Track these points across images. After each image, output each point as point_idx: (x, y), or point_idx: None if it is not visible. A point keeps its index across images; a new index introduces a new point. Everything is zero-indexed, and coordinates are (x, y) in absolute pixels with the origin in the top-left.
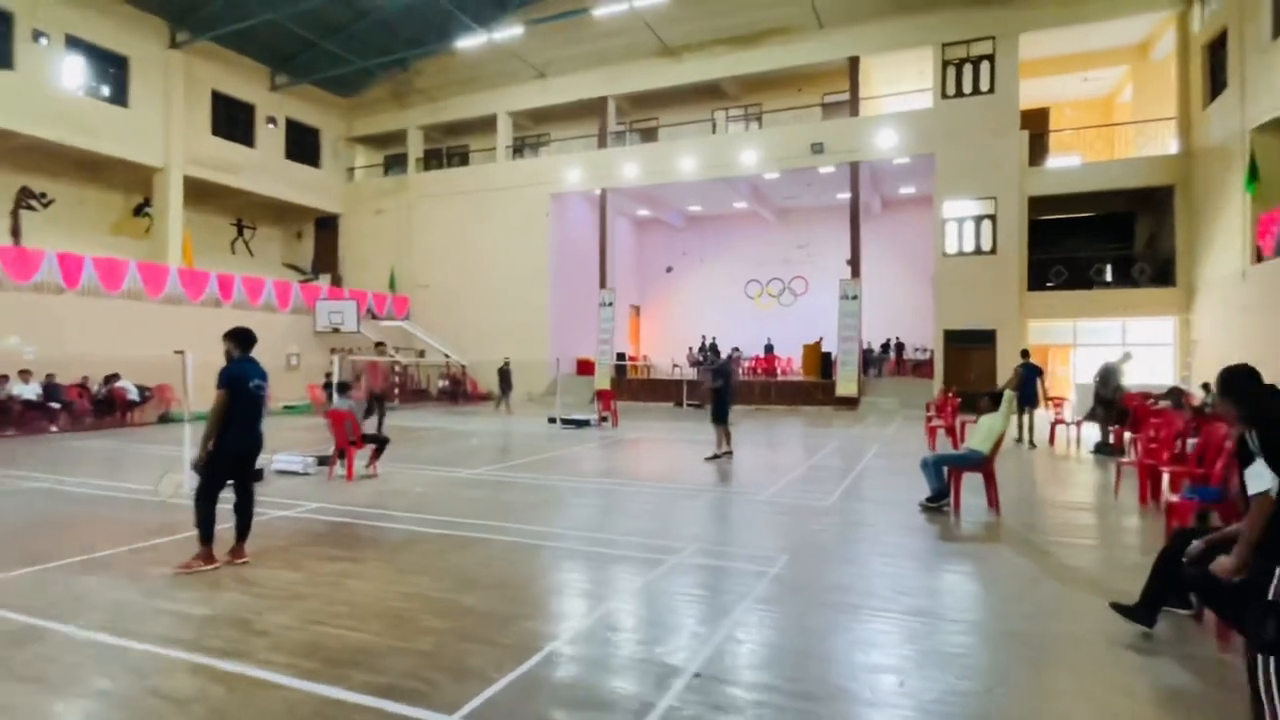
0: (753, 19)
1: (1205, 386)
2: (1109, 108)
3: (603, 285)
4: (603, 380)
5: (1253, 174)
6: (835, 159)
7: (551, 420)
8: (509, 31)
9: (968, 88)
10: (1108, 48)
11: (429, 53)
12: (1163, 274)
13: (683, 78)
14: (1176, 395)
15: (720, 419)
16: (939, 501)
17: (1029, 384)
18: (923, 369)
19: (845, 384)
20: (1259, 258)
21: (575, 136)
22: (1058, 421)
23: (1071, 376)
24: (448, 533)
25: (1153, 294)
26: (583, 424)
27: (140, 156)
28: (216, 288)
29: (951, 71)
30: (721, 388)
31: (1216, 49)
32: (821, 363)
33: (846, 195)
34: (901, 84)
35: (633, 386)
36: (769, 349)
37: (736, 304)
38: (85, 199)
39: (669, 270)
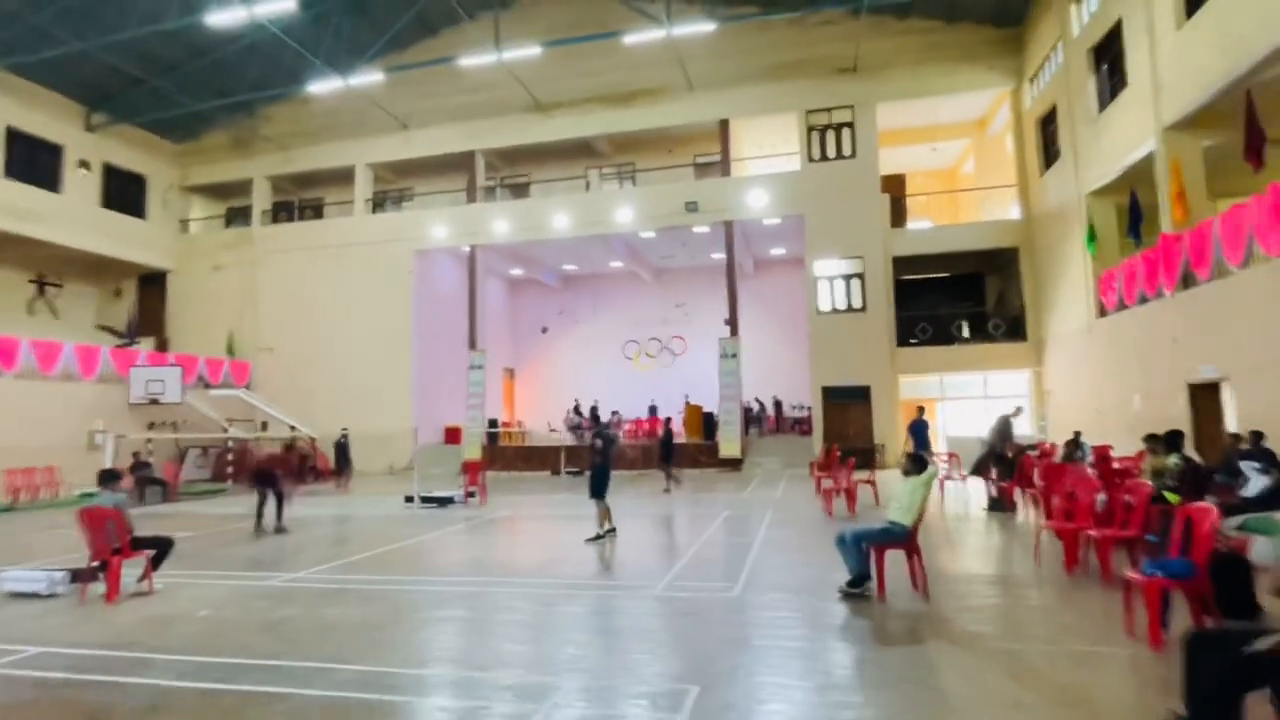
0: (624, 79)
1: (1077, 435)
2: (954, 178)
3: (472, 346)
4: (472, 449)
5: (1091, 235)
6: (709, 218)
7: (408, 500)
8: (368, 78)
9: (832, 152)
10: (952, 122)
11: (277, 98)
12: (1014, 329)
13: (554, 134)
14: (1072, 448)
15: (599, 493)
16: (861, 586)
17: (922, 438)
18: (802, 426)
19: (728, 445)
20: (1102, 312)
21: (442, 191)
22: (946, 477)
23: (941, 429)
24: (225, 686)
25: (1007, 348)
26: (446, 502)
27: None
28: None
29: (816, 136)
30: (602, 461)
31: (1048, 123)
32: (704, 423)
33: (721, 255)
34: (771, 147)
35: (506, 454)
36: (653, 411)
37: (615, 365)
38: None
39: (544, 331)
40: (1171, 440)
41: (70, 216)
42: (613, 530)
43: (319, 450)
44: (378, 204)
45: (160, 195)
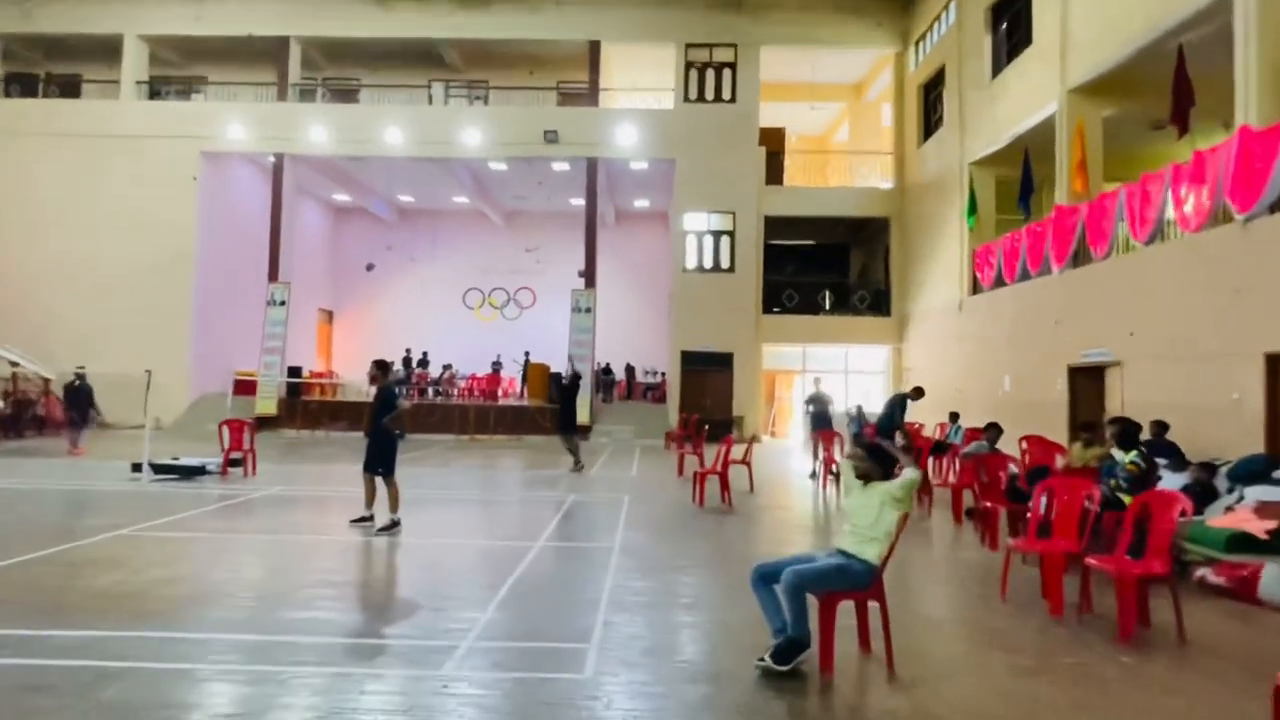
0: None
1: (954, 417)
2: (827, 144)
3: (273, 278)
4: (265, 404)
5: (972, 206)
6: (570, 151)
7: (135, 468)
8: None
9: (710, 94)
10: (832, 82)
11: None
12: (878, 303)
13: (392, 30)
14: (995, 433)
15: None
16: (795, 656)
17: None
18: (655, 393)
19: (579, 410)
20: (976, 288)
21: (244, 83)
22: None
23: (794, 402)
24: None
25: (871, 322)
26: (193, 473)
27: None
28: None
29: (695, 74)
30: (380, 429)
31: (931, 88)
32: (549, 385)
33: (580, 201)
34: (643, 81)
35: (311, 411)
36: (496, 366)
37: (454, 314)
38: None
39: (370, 268)
40: (1126, 432)
41: None
42: (397, 524)
43: (51, 395)
44: (155, 91)
45: None
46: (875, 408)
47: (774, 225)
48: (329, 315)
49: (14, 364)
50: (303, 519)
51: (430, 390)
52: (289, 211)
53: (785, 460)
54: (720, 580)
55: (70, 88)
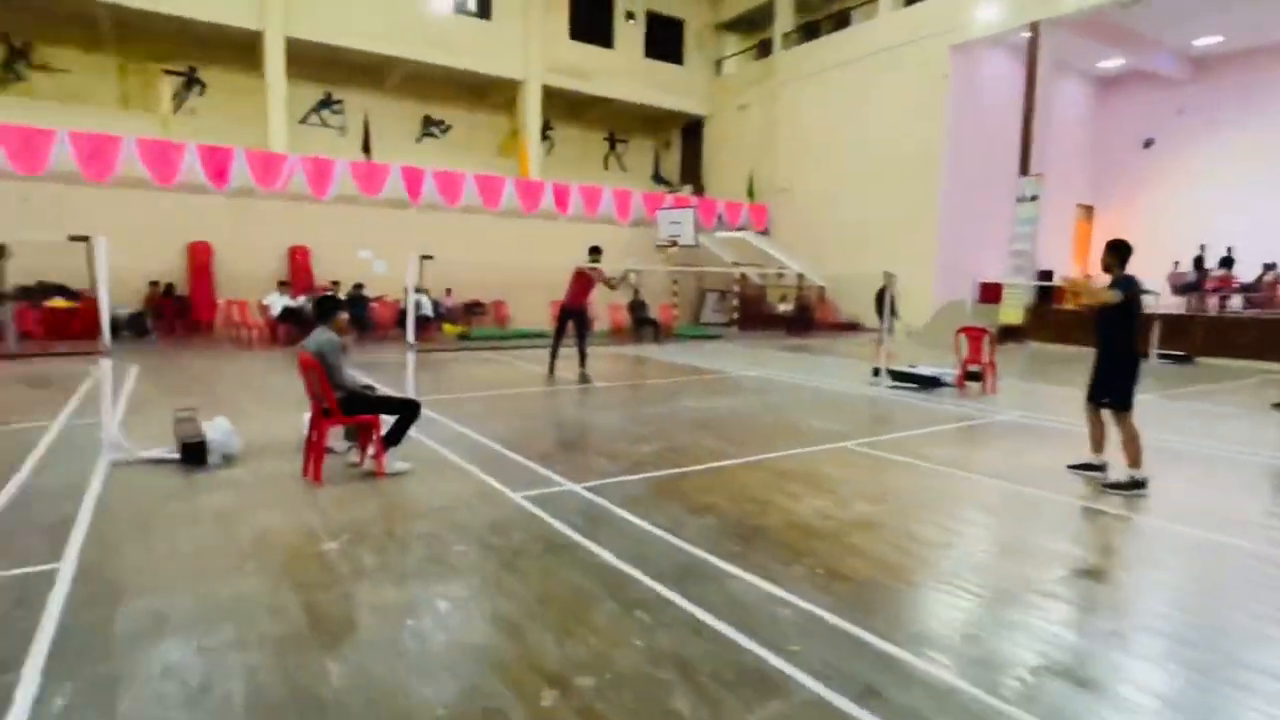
0: None
1: None
2: None
3: (1024, 171)
4: (1012, 312)
5: None
6: None
7: (875, 373)
8: None
9: None
10: None
11: None
12: None
13: None
14: None
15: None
16: None
17: None
18: None
19: None
20: None
21: None
22: None
23: None
24: None
25: None
26: (931, 383)
27: (502, 70)
28: (552, 200)
29: None
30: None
31: None
32: None
33: None
34: None
35: (1063, 322)
36: None
37: (1273, 193)
38: (477, 123)
39: (1148, 144)
40: None
41: (619, 70)
42: (1139, 484)
43: (827, 299)
44: None
45: (695, 38)
46: None
47: None
48: (1088, 211)
49: (800, 274)
50: (1040, 459)
51: (1238, 299)
52: (1044, 94)
53: None
54: None
55: (842, 19)
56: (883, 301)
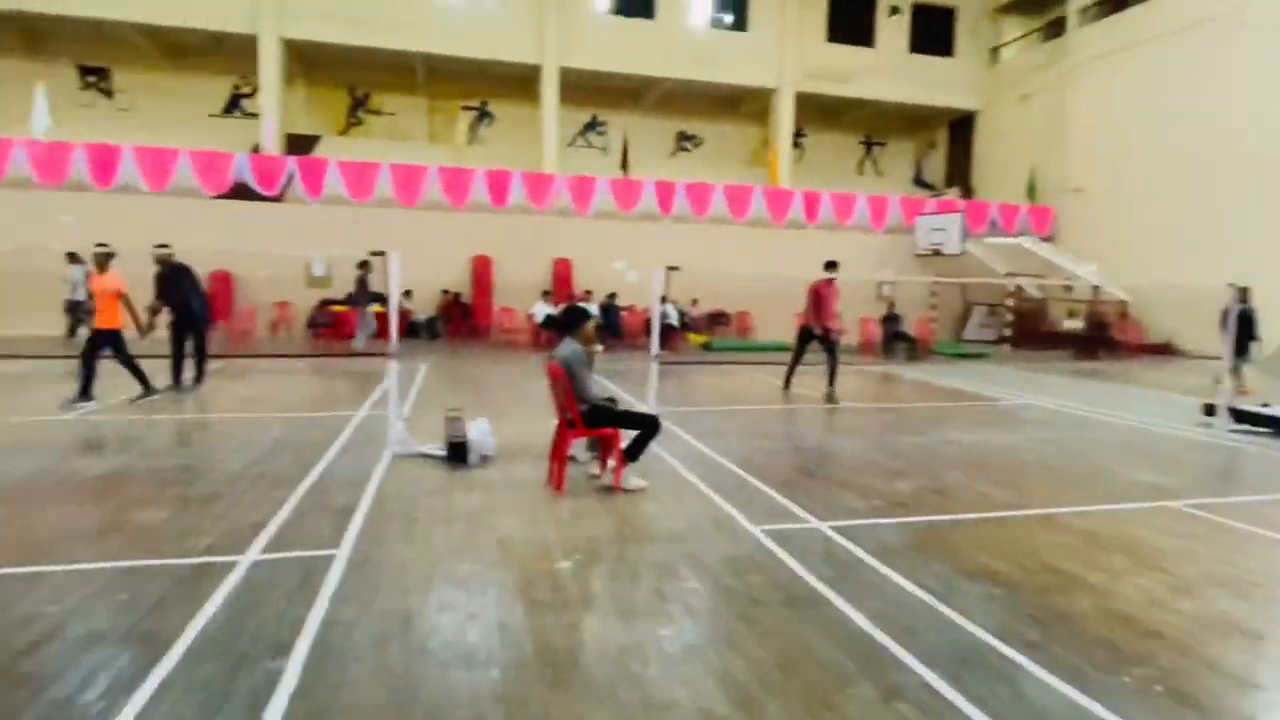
0: None
1: None
2: None
3: None
4: None
5: None
6: None
7: (1209, 410)
8: None
9: None
10: None
11: None
12: None
13: None
14: None
15: None
16: None
17: None
18: None
19: None
20: None
21: None
22: None
23: None
24: None
25: None
26: None
27: (756, 80)
28: (801, 208)
29: None
30: None
31: None
32: None
33: None
34: None
35: None
36: None
37: None
38: (727, 135)
39: None
40: None
41: (880, 69)
42: None
43: (1129, 315)
44: None
45: (969, 25)
46: None
47: None
48: None
49: (1095, 286)
50: None
51: None
52: None
53: None
54: None
55: None
56: (1237, 323)
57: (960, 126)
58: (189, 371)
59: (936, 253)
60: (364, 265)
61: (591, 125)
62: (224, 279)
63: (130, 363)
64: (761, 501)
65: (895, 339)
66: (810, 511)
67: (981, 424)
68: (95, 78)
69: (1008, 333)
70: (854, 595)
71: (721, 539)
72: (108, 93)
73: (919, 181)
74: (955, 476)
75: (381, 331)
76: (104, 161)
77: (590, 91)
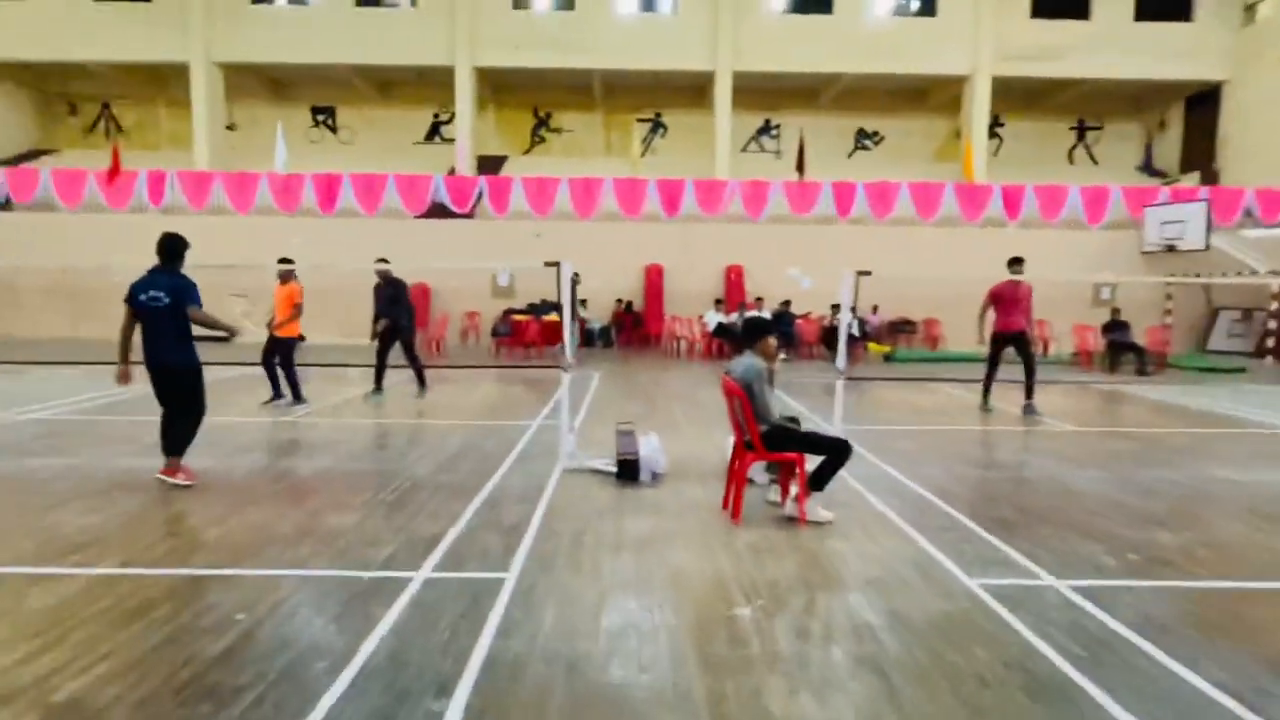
0: None
1: None
2: None
3: None
4: None
5: None
6: None
7: None
8: None
9: None
10: None
11: None
12: None
13: None
14: None
15: None
16: None
17: None
18: None
19: None
20: None
21: None
22: None
23: None
24: None
25: None
26: None
27: (946, 68)
28: (1000, 204)
29: None
30: None
31: None
32: None
33: None
34: None
35: None
36: None
37: None
38: (911, 129)
39: None
40: None
41: (1098, 43)
42: None
43: None
44: None
45: None
46: None
47: None
48: None
49: None
50: None
51: None
52: None
53: None
54: None
55: None
56: None
57: (1200, 102)
58: (412, 385)
59: (1171, 249)
60: (574, 278)
61: (765, 129)
62: (424, 290)
63: (290, 372)
64: (974, 545)
65: (1121, 350)
66: (1038, 563)
67: (1260, 458)
68: (324, 116)
69: (1269, 343)
70: (1118, 686)
71: (929, 592)
72: (333, 128)
73: (1148, 168)
74: (1236, 529)
75: (552, 339)
76: (328, 189)
77: (764, 94)
